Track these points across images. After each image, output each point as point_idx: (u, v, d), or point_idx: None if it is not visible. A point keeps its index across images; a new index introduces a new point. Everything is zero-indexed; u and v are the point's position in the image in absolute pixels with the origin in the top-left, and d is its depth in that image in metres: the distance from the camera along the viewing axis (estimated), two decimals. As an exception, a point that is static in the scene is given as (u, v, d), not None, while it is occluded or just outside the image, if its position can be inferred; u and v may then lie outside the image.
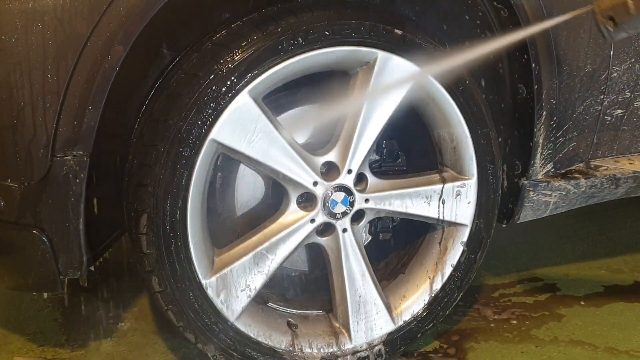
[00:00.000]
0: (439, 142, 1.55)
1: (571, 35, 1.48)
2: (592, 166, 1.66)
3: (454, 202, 1.54)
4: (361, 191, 1.45)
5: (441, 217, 1.54)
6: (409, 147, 1.66)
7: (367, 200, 1.46)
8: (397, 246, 1.70)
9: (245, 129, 1.31)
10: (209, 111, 1.27)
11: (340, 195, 1.42)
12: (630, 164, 1.68)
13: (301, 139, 1.51)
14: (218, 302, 1.38)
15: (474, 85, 1.49)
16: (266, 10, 1.34)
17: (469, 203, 1.54)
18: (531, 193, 1.60)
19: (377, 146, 1.62)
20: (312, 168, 1.39)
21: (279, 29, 1.29)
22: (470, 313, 1.82)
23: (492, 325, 1.77)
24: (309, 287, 1.66)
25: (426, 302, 1.58)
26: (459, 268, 1.58)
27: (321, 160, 1.41)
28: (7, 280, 1.39)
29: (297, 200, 1.42)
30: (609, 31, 1.13)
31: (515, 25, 1.44)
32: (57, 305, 1.83)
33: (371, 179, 1.48)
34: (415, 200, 1.51)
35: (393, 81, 1.40)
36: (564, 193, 1.64)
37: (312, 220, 1.42)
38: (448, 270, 1.58)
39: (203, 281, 1.35)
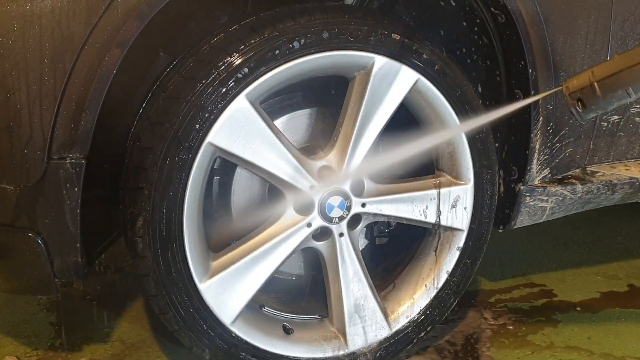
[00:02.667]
0: (435, 147, 1.55)
1: (568, 41, 1.49)
2: (588, 172, 1.66)
3: (450, 207, 1.54)
4: (358, 195, 1.45)
5: (437, 222, 1.54)
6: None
7: (363, 204, 1.46)
8: (393, 251, 1.70)
9: (242, 133, 1.30)
10: (206, 114, 1.27)
11: (337, 200, 1.42)
12: (627, 169, 1.69)
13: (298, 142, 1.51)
14: (214, 306, 1.37)
15: (471, 90, 1.49)
16: (263, 14, 1.34)
17: (465, 208, 1.54)
18: (527, 198, 1.60)
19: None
20: (309, 172, 1.39)
21: (277, 33, 1.29)
22: (466, 318, 1.82)
23: (488, 330, 1.77)
24: (305, 292, 1.65)
25: (422, 307, 1.57)
26: (455, 273, 1.58)
27: (318, 164, 1.41)
28: (1, 282, 1.39)
29: (293, 204, 1.42)
30: (578, 112, 1.18)
31: (512, 32, 1.45)
32: (52, 309, 1.83)
33: (368, 183, 1.48)
34: (412, 205, 1.51)
35: (390, 86, 1.40)
36: (560, 199, 1.64)
37: (309, 225, 1.42)
38: (444, 276, 1.58)
39: (199, 285, 1.35)
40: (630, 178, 1.67)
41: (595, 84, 1.15)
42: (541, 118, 1.52)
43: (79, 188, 1.23)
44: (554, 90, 1.34)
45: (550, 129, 1.54)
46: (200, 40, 1.35)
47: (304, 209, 1.42)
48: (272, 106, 1.55)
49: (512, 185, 1.61)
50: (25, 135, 1.19)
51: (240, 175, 1.54)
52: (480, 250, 1.60)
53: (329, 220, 1.42)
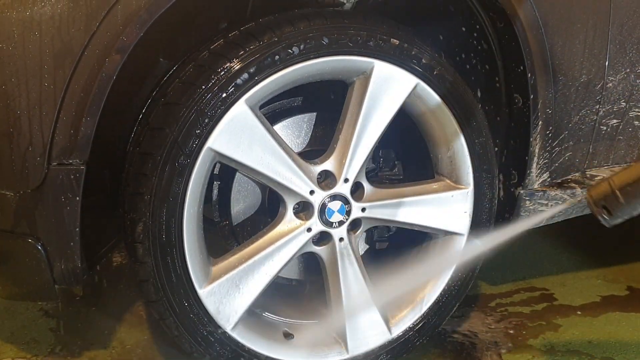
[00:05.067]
0: (435, 151, 1.55)
1: (566, 45, 1.49)
2: (588, 176, 1.66)
3: (450, 211, 1.54)
4: (358, 200, 1.45)
5: (437, 227, 1.54)
6: (406, 156, 1.67)
7: (363, 209, 1.46)
8: (393, 255, 1.70)
9: (241, 138, 1.31)
10: (206, 120, 1.27)
11: (337, 204, 1.42)
12: (626, 173, 1.68)
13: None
14: (214, 312, 1.37)
15: (470, 95, 1.49)
16: (263, 19, 1.34)
17: (465, 212, 1.54)
18: (527, 202, 1.60)
19: (374, 155, 1.63)
20: (308, 177, 1.39)
21: (276, 39, 1.29)
22: (467, 323, 1.82)
23: (489, 335, 1.77)
24: (305, 297, 1.65)
25: (423, 312, 1.57)
26: (456, 278, 1.58)
27: (318, 168, 1.41)
28: (1, 288, 1.38)
29: (293, 209, 1.42)
30: (605, 219, 1.17)
31: (511, 37, 1.45)
32: (52, 314, 1.82)
33: (368, 187, 1.48)
34: (412, 210, 1.51)
35: (390, 90, 1.40)
36: (560, 202, 1.64)
37: (309, 229, 1.42)
38: (444, 281, 1.58)
39: (199, 290, 1.35)
40: (630, 182, 1.67)
41: (617, 191, 1.13)
42: (540, 122, 1.52)
43: (79, 194, 1.23)
44: (579, 198, 1.36)
45: (549, 133, 1.54)
46: (200, 46, 1.35)
47: (304, 214, 1.42)
48: (271, 111, 1.55)
49: (512, 190, 1.61)
50: (25, 141, 1.19)
51: (240, 181, 1.54)
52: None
53: (329, 225, 1.42)
